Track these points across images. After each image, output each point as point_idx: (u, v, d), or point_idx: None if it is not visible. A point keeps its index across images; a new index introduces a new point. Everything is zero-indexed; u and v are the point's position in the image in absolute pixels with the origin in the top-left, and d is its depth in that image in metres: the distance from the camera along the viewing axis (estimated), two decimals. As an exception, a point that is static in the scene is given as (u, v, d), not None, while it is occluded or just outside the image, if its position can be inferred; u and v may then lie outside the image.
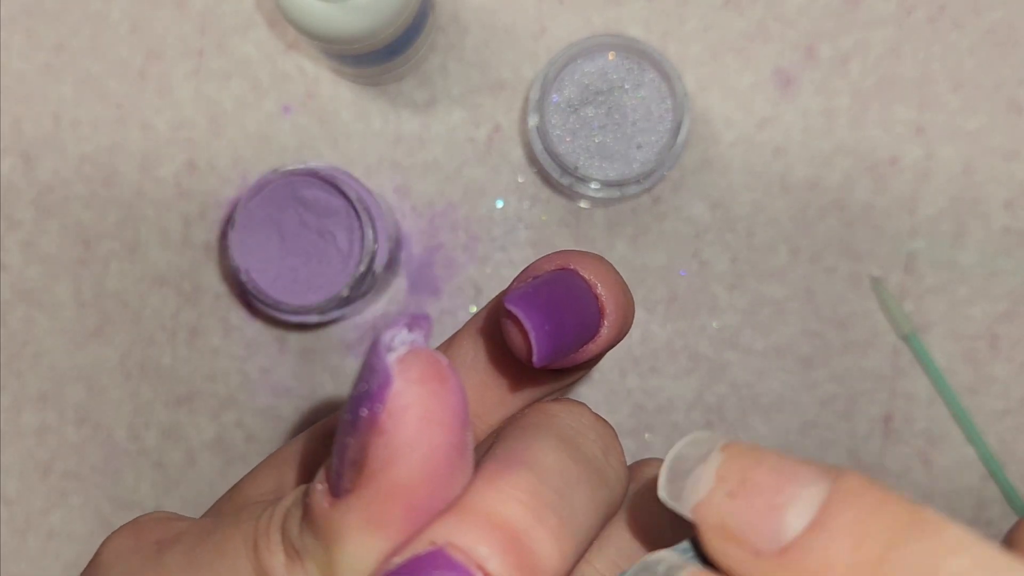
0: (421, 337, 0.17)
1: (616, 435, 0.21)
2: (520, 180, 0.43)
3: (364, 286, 0.39)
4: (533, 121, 0.40)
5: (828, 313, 0.42)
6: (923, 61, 0.42)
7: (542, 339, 0.20)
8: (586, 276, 0.21)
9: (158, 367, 0.43)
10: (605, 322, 0.21)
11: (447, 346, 0.24)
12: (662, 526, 0.21)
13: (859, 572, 0.14)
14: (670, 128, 0.40)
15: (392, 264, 0.40)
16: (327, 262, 0.39)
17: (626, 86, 0.41)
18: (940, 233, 0.42)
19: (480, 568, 0.16)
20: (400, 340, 0.17)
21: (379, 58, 0.38)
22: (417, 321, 0.17)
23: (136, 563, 0.20)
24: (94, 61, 0.43)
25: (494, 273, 0.43)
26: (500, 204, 0.43)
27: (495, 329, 0.23)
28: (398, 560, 0.17)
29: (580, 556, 0.18)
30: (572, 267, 0.21)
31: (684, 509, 0.16)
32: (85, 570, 0.21)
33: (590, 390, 0.43)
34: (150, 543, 0.21)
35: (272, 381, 0.44)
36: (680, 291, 0.43)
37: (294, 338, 0.44)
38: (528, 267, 0.22)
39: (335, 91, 0.43)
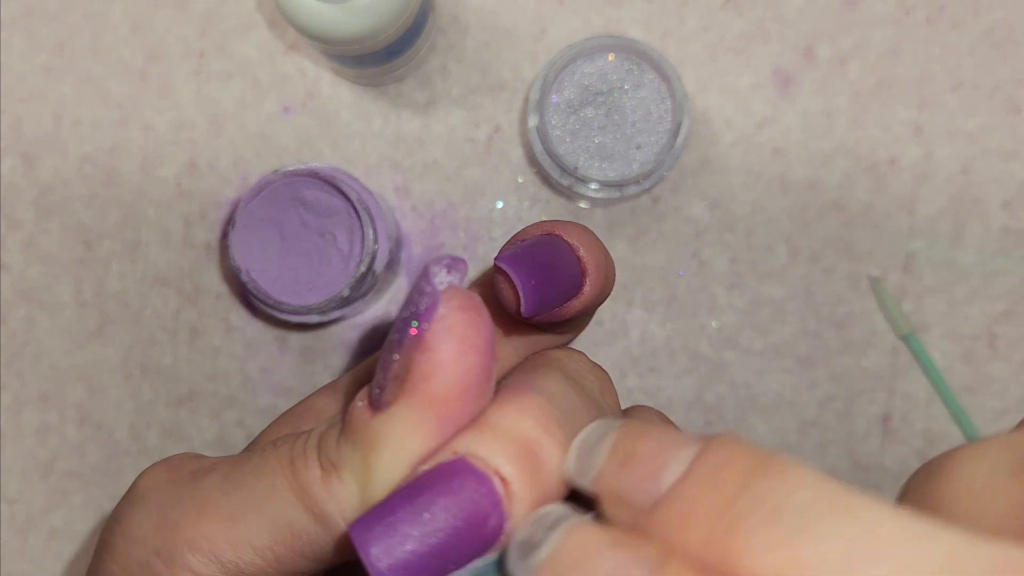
0: (458, 278, 0.19)
1: (611, 380, 0.24)
2: (520, 180, 0.43)
3: (364, 286, 0.39)
4: (533, 122, 0.40)
5: (827, 313, 0.43)
6: (922, 61, 0.42)
7: (529, 292, 0.22)
8: (569, 240, 0.24)
9: (159, 367, 0.44)
10: (587, 280, 0.24)
11: None
12: None
13: (716, 512, 0.15)
14: (669, 129, 0.40)
15: (392, 264, 0.41)
16: (328, 262, 0.39)
17: (626, 87, 0.41)
18: (939, 233, 0.42)
19: (496, 473, 0.18)
20: (440, 280, 0.19)
21: (379, 59, 0.38)
22: (456, 264, 0.19)
23: (173, 490, 0.22)
24: (95, 62, 0.43)
25: (494, 273, 0.43)
26: (500, 204, 0.43)
27: (490, 296, 0.25)
28: (425, 467, 0.19)
29: None
30: (557, 232, 0.24)
31: (586, 483, 0.18)
32: (121, 501, 0.23)
33: (590, 390, 0.43)
34: (185, 473, 0.23)
35: (273, 381, 0.44)
36: (679, 291, 0.43)
37: (295, 338, 0.44)
38: (517, 233, 0.24)
39: (335, 92, 0.43)
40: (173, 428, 0.44)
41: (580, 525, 0.17)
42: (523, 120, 0.43)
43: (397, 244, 0.41)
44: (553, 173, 0.40)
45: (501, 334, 0.25)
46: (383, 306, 0.44)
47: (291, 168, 0.38)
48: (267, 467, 0.21)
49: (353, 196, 0.38)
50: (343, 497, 0.20)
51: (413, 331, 0.19)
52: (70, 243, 0.43)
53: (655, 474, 0.16)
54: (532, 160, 0.42)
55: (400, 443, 0.19)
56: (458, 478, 0.18)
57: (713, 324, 0.43)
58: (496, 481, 0.18)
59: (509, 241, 0.24)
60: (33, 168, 0.43)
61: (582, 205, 0.43)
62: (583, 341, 0.43)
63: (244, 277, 0.38)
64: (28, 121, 0.43)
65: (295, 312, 0.39)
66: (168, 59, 0.43)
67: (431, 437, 0.19)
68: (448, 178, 0.43)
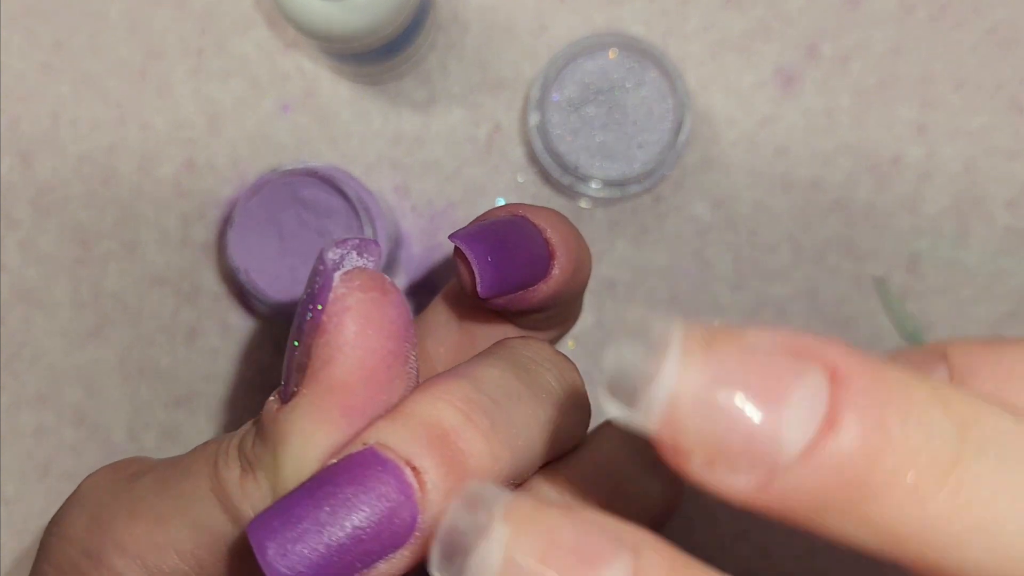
0: (371, 262, 0.18)
1: (577, 370, 0.22)
2: (520, 180, 0.43)
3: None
4: (534, 120, 0.40)
5: (831, 313, 0.42)
6: (925, 60, 0.42)
7: (484, 268, 0.21)
8: (535, 221, 0.23)
9: (157, 367, 0.43)
10: (555, 263, 0.22)
11: (424, 311, 0.26)
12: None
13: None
14: (671, 127, 0.40)
15: (392, 264, 0.40)
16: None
17: (627, 85, 0.40)
18: (943, 233, 0.42)
19: (408, 464, 0.17)
20: (350, 263, 0.18)
21: (379, 57, 0.38)
22: (367, 246, 0.18)
23: (110, 492, 0.22)
24: (93, 60, 0.43)
25: (494, 273, 0.43)
26: (501, 203, 0.43)
27: (463, 295, 0.24)
28: (334, 460, 0.17)
29: (520, 466, 0.19)
30: (522, 213, 0.23)
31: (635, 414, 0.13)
32: (63, 504, 0.22)
33: (590, 390, 0.43)
34: (126, 475, 0.22)
35: (271, 381, 0.43)
36: (681, 291, 0.43)
37: (293, 338, 0.43)
38: (481, 215, 0.23)
39: (334, 90, 0.43)
40: (171, 429, 0.43)
41: (518, 499, 0.13)
42: (524, 118, 0.42)
43: (396, 244, 0.41)
44: (554, 172, 0.40)
45: (469, 332, 0.24)
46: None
47: (290, 167, 0.38)
48: (194, 468, 0.20)
49: (352, 195, 0.38)
50: (256, 496, 0.19)
51: (309, 315, 0.18)
52: (68, 243, 0.43)
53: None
54: (533, 159, 0.42)
55: (304, 436, 0.18)
56: (364, 469, 0.17)
57: (715, 325, 0.43)
58: (407, 472, 0.17)
59: (471, 222, 0.23)
60: (31, 167, 0.43)
61: (583, 204, 0.43)
62: (584, 342, 0.43)
63: (242, 277, 0.38)
64: (26, 120, 0.43)
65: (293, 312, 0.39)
66: (166, 58, 0.43)
67: (337, 427, 0.18)
68: (448, 177, 0.43)
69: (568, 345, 0.43)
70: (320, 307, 0.18)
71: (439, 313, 0.25)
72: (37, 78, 0.43)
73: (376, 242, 0.18)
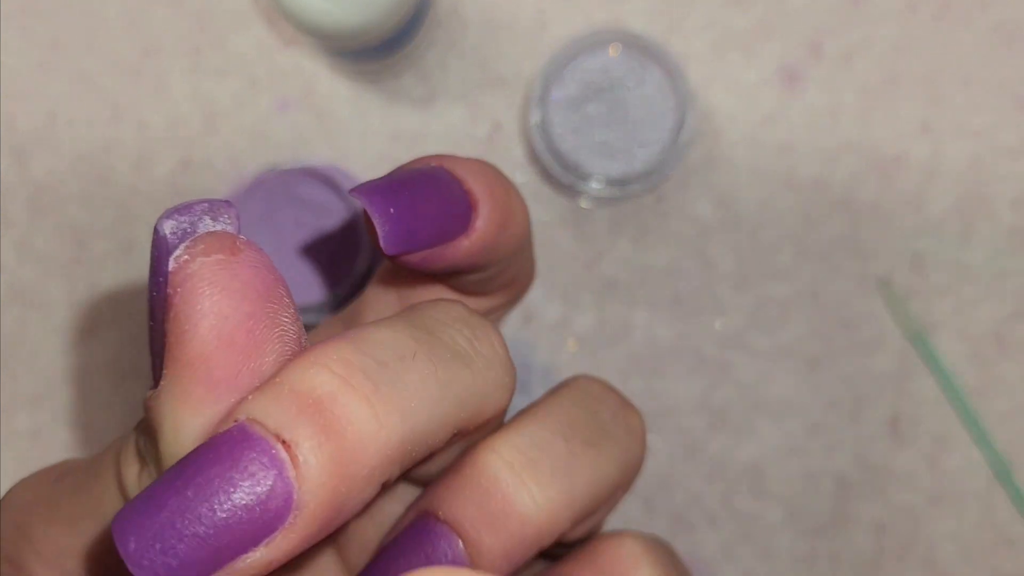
0: (230, 225, 0.17)
1: (494, 329, 0.20)
2: (521, 178, 0.43)
3: (362, 286, 0.38)
4: (534, 118, 0.40)
5: (834, 313, 0.42)
6: (929, 58, 0.42)
7: (386, 222, 0.19)
8: (455, 171, 0.21)
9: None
10: (478, 216, 0.20)
11: (363, 295, 0.24)
12: None
13: None
14: (673, 126, 0.40)
15: (391, 264, 0.40)
16: (324, 261, 0.38)
17: (629, 83, 0.40)
18: (947, 232, 0.42)
19: (278, 437, 0.16)
20: (203, 226, 0.16)
21: (377, 54, 0.38)
22: (219, 207, 0.17)
23: (33, 498, 0.21)
24: (90, 59, 0.43)
25: (495, 273, 0.42)
26: (501, 203, 0.42)
27: (399, 269, 0.22)
28: (199, 442, 0.16)
29: (419, 432, 0.17)
30: (439, 162, 0.21)
31: None
32: None
33: (592, 391, 0.42)
34: (50, 479, 0.21)
35: (269, 382, 0.43)
36: (684, 291, 0.42)
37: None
38: (396, 168, 0.21)
39: (333, 88, 0.42)
40: (168, 430, 0.43)
41: None
42: (524, 117, 0.42)
43: (396, 243, 0.41)
44: (555, 171, 0.40)
45: (392, 293, 0.22)
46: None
47: (287, 166, 0.37)
48: (101, 468, 0.19)
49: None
50: None
51: (156, 292, 0.16)
52: (64, 242, 0.43)
53: None
54: (533, 157, 0.42)
55: (173, 419, 0.17)
56: (229, 447, 0.16)
57: (718, 325, 0.42)
58: (278, 447, 0.15)
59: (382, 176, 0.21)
60: (27, 166, 0.43)
61: (584, 203, 0.42)
62: (586, 342, 0.42)
63: (240, 276, 0.38)
64: (22, 119, 0.43)
65: (292, 312, 0.38)
66: (163, 56, 0.43)
67: (204, 404, 0.16)
68: (448, 176, 0.42)
69: (569, 346, 0.42)
70: (162, 279, 0.16)
71: (376, 288, 0.23)
72: (33, 77, 0.43)
73: (229, 202, 0.17)
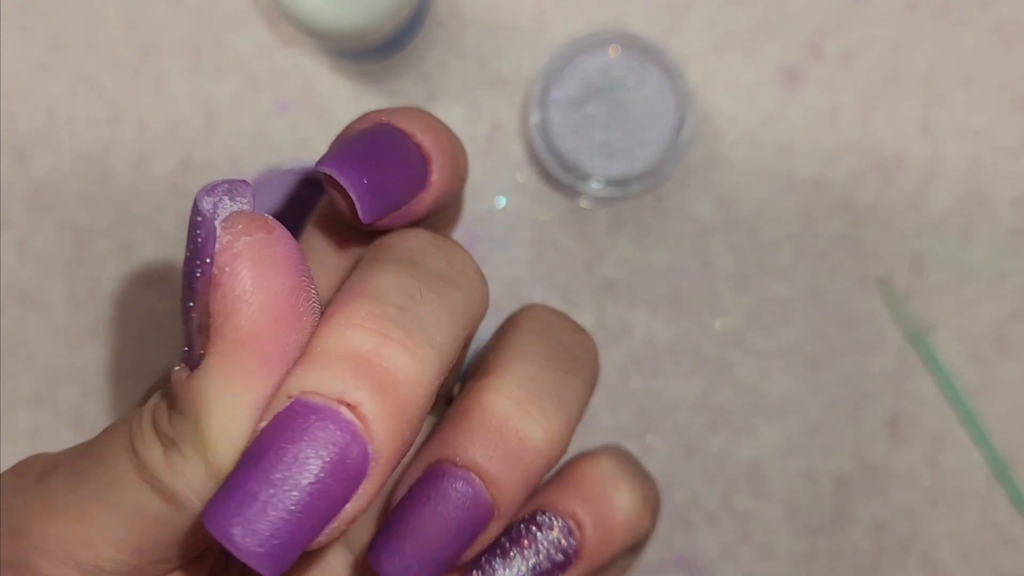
0: (246, 204, 0.17)
1: (461, 248, 0.21)
2: (520, 179, 0.43)
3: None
4: (534, 118, 0.40)
5: (834, 313, 0.42)
6: (929, 58, 0.42)
7: (363, 193, 0.20)
8: (403, 127, 0.21)
9: (153, 368, 0.43)
10: (433, 168, 0.21)
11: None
12: None
13: None
14: (673, 126, 0.40)
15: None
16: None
17: (629, 83, 0.40)
18: (947, 232, 0.42)
19: (341, 401, 0.17)
20: (223, 209, 0.17)
21: (378, 54, 0.38)
22: (238, 188, 0.17)
23: (19, 496, 0.20)
24: (89, 58, 0.43)
25: (495, 273, 0.42)
26: (501, 203, 0.42)
27: (337, 218, 0.22)
28: (263, 424, 0.17)
29: (448, 359, 0.18)
30: (386, 120, 0.21)
31: None
32: None
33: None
34: (31, 476, 0.21)
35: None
36: (684, 291, 0.42)
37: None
38: (342, 131, 0.21)
39: (333, 88, 0.42)
40: (168, 430, 0.43)
41: None
42: (524, 117, 0.42)
43: (396, 243, 0.41)
44: (554, 171, 0.40)
45: (351, 256, 0.23)
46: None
47: (288, 166, 0.38)
48: (110, 453, 0.19)
49: (351, 194, 0.37)
50: (188, 472, 0.18)
51: (199, 272, 0.17)
52: (63, 242, 0.43)
53: None
54: (533, 158, 0.42)
55: (226, 396, 0.17)
56: (299, 422, 0.16)
57: (718, 325, 0.42)
58: (343, 410, 0.16)
59: (333, 141, 0.21)
60: (27, 166, 0.43)
61: (584, 204, 0.42)
62: (585, 342, 0.42)
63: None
64: (22, 118, 0.43)
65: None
66: (163, 55, 0.43)
67: (258, 379, 0.17)
68: (448, 176, 0.42)
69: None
70: (209, 260, 0.17)
71: (316, 242, 0.23)
72: (33, 76, 0.43)
73: (245, 181, 0.17)
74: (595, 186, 0.40)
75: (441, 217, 0.24)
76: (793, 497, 0.42)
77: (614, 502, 0.22)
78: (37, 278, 0.43)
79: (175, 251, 0.43)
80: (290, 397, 0.17)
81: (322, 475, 0.16)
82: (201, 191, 0.17)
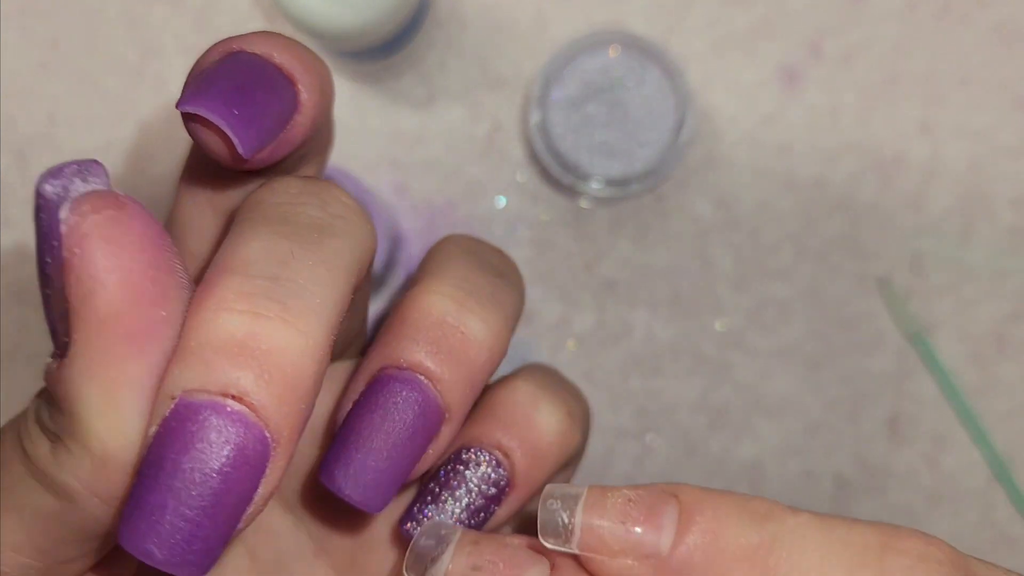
0: (99, 184, 0.16)
1: (333, 186, 0.20)
2: (520, 178, 0.43)
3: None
4: (534, 118, 0.40)
5: (833, 313, 0.42)
6: (929, 58, 0.42)
7: (237, 126, 0.18)
8: (258, 50, 0.20)
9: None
10: (300, 88, 0.20)
11: (170, 212, 0.23)
12: None
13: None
14: (673, 126, 0.40)
15: (391, 264, 0.40)
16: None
17: (629, 83, 0.40)
18: (946, 232, 0.42)
19: (225, 394, 0.16)
20: (75, 189, 0.16)
21: (378, 54, 0.38)
22: (88, 167, 0.17)
23: None
24: (90, 59, 0.43)
25: (494, 273, 0.42)
26: (500, 203, 0.43)
27: (203, 170, 0.21)
28: (153, 429, 0.16)
29: (334, 320, 0.18)
30: (236, 47, 0.20)
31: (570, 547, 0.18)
32: None
33: (592, 391, 0.42)
34: None
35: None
36: (684, 291, 0.42)
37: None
38: (193, 67, 0.20)
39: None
40: (169, 430, 0.43)
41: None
42: (524, 117, 0.42)
43: (395, 243, 0.41)
44: (554, 171, 0.40)
45: (226, 211, 0.22)
46: (381, 306, 0.43)
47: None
48: (4, 456, 0.19)
49: (350, 194, 0.37)
50: (74, 465, 0.17)
51: (49, 258, 0.16)
52: (64, 242, 0.43)
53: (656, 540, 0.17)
54: (533, 157, 0.42)
55: (96, 381, 0.16)
56: (188, 425, 0.16)
57: (717, 325, 0.42)
58: (230, 403, 0.16)
59: (186, 80, 0.19)
60: (27, 166, 0.43)
61: (584, 204, 0.42)
62: (586, 342, 0.42)
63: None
64: (22, 119, 0.43)
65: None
66: (163, 55, 0.43)
67: (129, 360, 0.16)
68: (447, 176, 0.42)
69: (568, 346, 0.43)
70: (56, 243, 0.16)
71: (187, 205, 0.22)
72: (34, 76, 0.43)
73: (97, 161, 0.17)
74: (595, 186, 0.40)
75: (315, 144, 0.22)
76: (793, 497, 0.42)
77: (537, 424, 0.22)
78: (37, 278, 0.43)
79: (175, 251, 0.43)
80: (173, 398, 0.16)
81: (225, 472, 0.16)
82: (44, 174, 0.16)
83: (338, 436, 0.20)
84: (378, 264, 0.38)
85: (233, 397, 0.16)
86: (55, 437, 0.18)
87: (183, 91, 0.19)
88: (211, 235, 0.22)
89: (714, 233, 0.42)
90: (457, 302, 0.20)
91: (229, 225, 0.20)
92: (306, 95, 0.20)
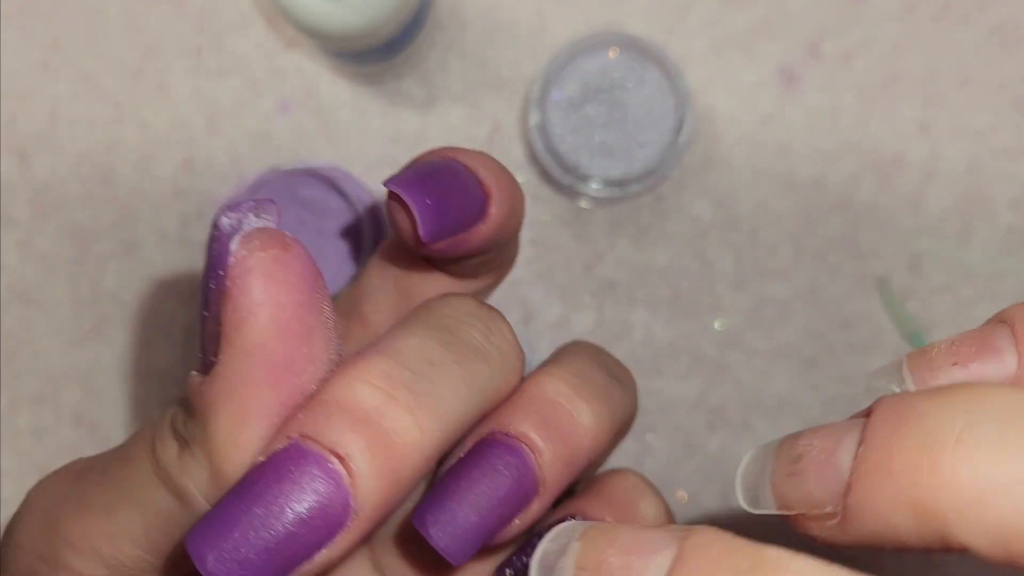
0: (271, 221, 0.18)
1: (503, 319, 0.22)
2: (520, 179, 0.43)
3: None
4: (534, 119, 0.40)
5: (832, 313, 0.42)
6: (928, 59, 0.42)
7: (425, 212, 0.21)
8: (467, 163, 0.22)
9: (155, 367, 0.43)
10: (492, 202, 0.22)
11: (358, 278, 0.25)
12: None
13: (912, 457, 0.14)
14: (672, 126, 0.40)
15: (391, 264, 0.40)
16: (325, 262, 0.38)
17: (628, 84, 0.40)
18: (945, 232, 0.42)
19: (333, 452, 0.17)
20: (249, 225, 0.18)
21: (378, 56, 0.38)
22: (264, 206, 0.18)
23: (57, 494, 0.21)
24: (91, 59, 0.43)
25: (495, 273, 0.43)
26: (501, 203, 0.43)
27: (397, 255, 0.24)
28: (261, 458, 0.18)
29: (452, 429, 0.19)
30: (452, 156, 0.22)
31: (768, 507, 0.17)
32: (13, 515, 0.22)
33: (591, 391, 0.42)
34: (71, 475, 0.22)
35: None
36: (683, 291, 0.42)
37: (293, 338, 0.43)
38: (410, 160, 0.23)
39: (334, 89, 0.43)
40: (170, 429, 0.43)
41: (598, 527, 0.17)
42: (524, 118, 0.42)
43: (396, 243, 0.41)
44: (554, 171, 0.40)
45: (405, 292, 0.24)
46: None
47: (289, 166, 0.38)
48: (133, 454, 0.20)
49: (351, 195, 0.37)
50: (195, 471, 0.19)
51: (214, 284, 0.18)
52: (66, 242, 0.43)
53: (828, 463, 0.16)
54: (533, 158, 0.42)
55: (233, 402, 0.18)
56: (291, 464, 0.17)
57: (716, 325, 0.42)
58: (333, 461, 0.17)
59: (401, 169, 0.22)
60: (29, 167, 0.43)
61: (583, 204, 0.42)
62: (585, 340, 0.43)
63: (241, 277, 0.38)
64: (24, 119, 0.43)
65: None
66: (165, 56, 0.43)
67: (265, 388, 0.18)
68: (448, 176, 0.43)
69: (568, 345, 0.43)
70: (221, 272, 0.18)
71: (372, 277, 0.25)
72: (35, 77, 0.43)
73: (272, 200, 0.18)
74: (595, 186, 0.40)
75: (496, 257, 0.25)
76: (792, 496, 0.42)
77: (640, 512, 0.23)
78: (39, 278, 0.43)
79: (177, 251, 0.43)
80: (289, 439, 0.17)
81: (301, 520, 0.17)
82: (223, 207, 0.18)
83: (438, 484, 0.21)
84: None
85: (338, 457, 0.17)
86: (184, 443, 0.19)
87: (399, 173, 0.22)
88: (385, 307, 0.24)
89: (713, 233, 0.42)
90: (572, 388, 0.22)
91: (402, 305, 0.23)
92: (495, 210, 0.22)
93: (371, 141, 0.43)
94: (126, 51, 0.43)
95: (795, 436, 0.17)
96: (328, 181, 0.38)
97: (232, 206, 0.18)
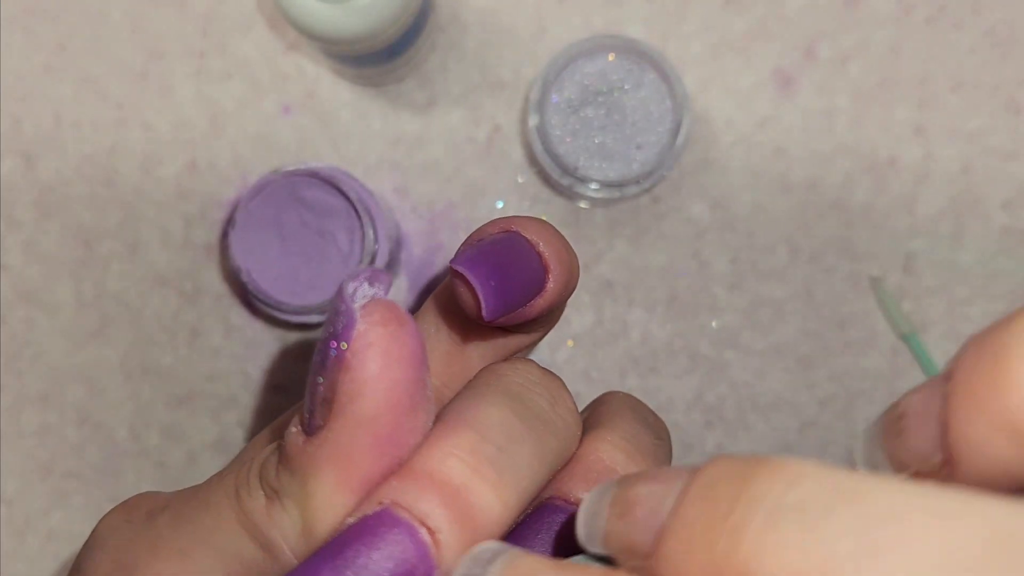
0: (382, 290, 0.19)
1: (564, 386, 0.23)
2: (520, 180, 0.43)
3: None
4: (533, 121, 0.40)
5: (827, 313, 0.42)
6: (923, 61, 0.42)
7: (488, 293, 0.22)
8: (528, 236, 0.23)
9: (159, 367, 0.43)
10: (550, 277, 0.23)
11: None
12: None
13: (714, 529, 0.14)
14: (670, 128, 0.40)
15: (392, 264, 0.40)
16: (327, 262, 0.39)
17: (626, 86, 0.41)
18: (939, 233, 0.42)
19: (422, 523, 0.18)
20: (362, 293, 0.19)
21: (380, 59, 0.38)
22: (377, 276, 0.19)
23: (128, 533, 0.22)
24: (95, 61, 0.43)
25: (494, 273, 0.43)
26: (500, 204, 0.43)
27: (453, 303, 0.24)
28: (351, 520, 0.18)
29: (526, 499, 0.20)
30: (514, 228, 0.23)
31: (597, 548, 0.18)
32: (81, 549, 0.23)
33: (589, 390, 0.43)
34: (141, 514, 0.22)
35: (273, 382, 0.44)
36: (680, 291, 0.43)
37: (295, 338, 0.44)
38: (473, 232, 0.23)
39: (335, 92, 0.43)
40: (173, 428, 0.44)
41: (519, 556, 0.17)
42: (523, 120, 0.43)
43: (397, 244, 0.41)
44: (553, 173, 0.40)
45: (471, 355, 0.25)
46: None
47: (291, 168, 0.38)
48: (213, 499, 0.21)
49: (353, 196, 0.38)
50: (286, 525, 0.20)
51: (333, 352, 0.19)
52: (70, 243, 0.43)
53: (654, 513, 0.16)
54: (532, 160, 0.42)
55: (335, 466, 0.19)
56: (382, 530, 0.18)
57: (713, 324, 0.43)
58: (422, 531, 0.18)
59: (465, 242, 0.23)
60: (33, 168, 0.43)
61: (582, 205, 0.43)
62: (583, 342, 0.43)
63: (244, 277, 0.38)
64: (28, 121, 0.43)
65: (295, 312, 0.39)
66: (168, 59, 0.43)
67: (368, 458, 0.19)
68: (448, 178, 0.43)
69: (567, 344, 0.43)
70: (345, 345, 0.18)
71: (428, 324, 0.25)
72: (39, 79, 0.43)
73: (386, 272, 0.19)
74: (593, 188, 0.40)
75: (548, 319, 0.26)
76: (788, 494, 0.43)
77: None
78: (44, 279, 0.44)
79: (180, 252, 0.43)
80: (381, 504, 0.18)
81: None
82: (347, 277, 0.19)
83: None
84: (380, 265, 0.39)
85: (427, 528, 0.18)
86: (273, 494, 0.20)
87: (460, 250, 0.23)
88: (440, 353, 0.25)
89: (710, 234, 0.43)
90: (627, 454, 0.23)
91: (455, 353, 0.24)
92: (552, 285, 0.23)
93: (372, 143, 0.43)
94: (130, 54, 0.43)
95: (632, 479, 0.18)
96: (330, 182, 0.38)
97: (352, 275, 0.19)
